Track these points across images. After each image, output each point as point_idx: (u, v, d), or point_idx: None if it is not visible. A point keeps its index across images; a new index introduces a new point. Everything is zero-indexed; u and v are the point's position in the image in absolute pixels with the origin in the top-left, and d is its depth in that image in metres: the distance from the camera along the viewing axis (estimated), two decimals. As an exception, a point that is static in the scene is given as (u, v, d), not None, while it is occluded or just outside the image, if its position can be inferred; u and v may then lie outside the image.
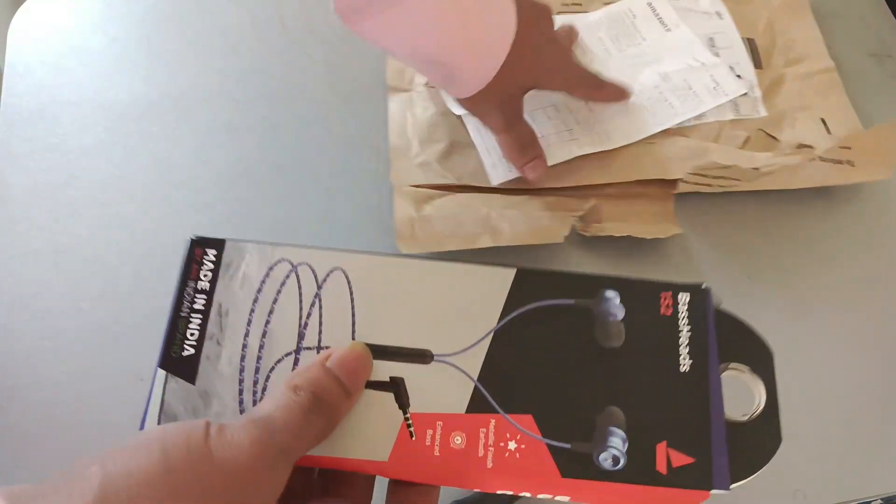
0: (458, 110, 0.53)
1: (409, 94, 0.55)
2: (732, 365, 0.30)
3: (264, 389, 0.28)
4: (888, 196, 0.53)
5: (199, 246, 0.30)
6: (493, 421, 0.28)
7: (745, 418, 0.30)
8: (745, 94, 0.54)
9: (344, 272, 0.29)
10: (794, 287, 0.50)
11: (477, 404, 0.28)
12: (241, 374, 0.28)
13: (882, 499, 0.44)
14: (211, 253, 0.29)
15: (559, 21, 0.52)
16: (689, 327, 0.29)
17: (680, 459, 0.28)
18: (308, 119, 0.56)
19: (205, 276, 0.29)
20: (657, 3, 0.57)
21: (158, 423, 0.27)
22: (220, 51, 0.59)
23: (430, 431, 0.28)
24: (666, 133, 0.52)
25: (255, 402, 0.28)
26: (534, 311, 0.29)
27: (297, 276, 0.29)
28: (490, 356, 0.29)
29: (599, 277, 0.30)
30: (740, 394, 0.32)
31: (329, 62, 0.58)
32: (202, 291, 0.29)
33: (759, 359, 0.30)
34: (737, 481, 0.28)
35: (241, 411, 0.27)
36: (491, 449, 0.27)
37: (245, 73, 0.57)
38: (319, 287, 0.29)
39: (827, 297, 0.50)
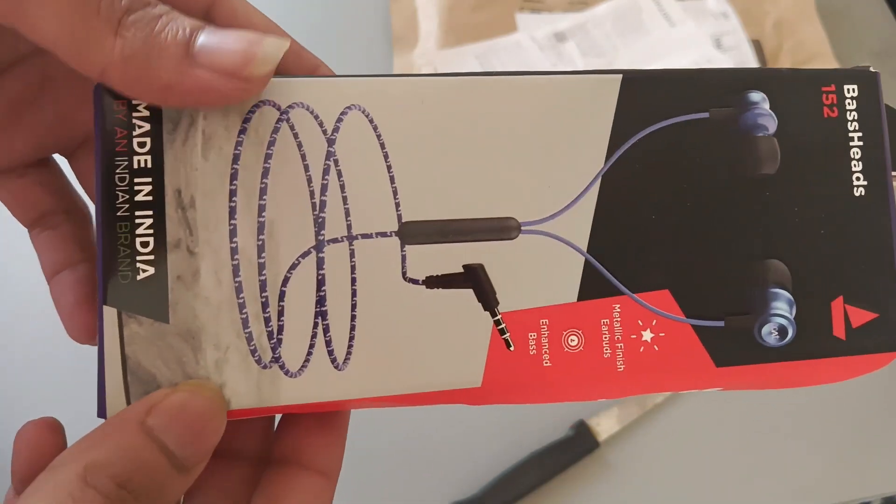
0: None
1: None
2: (895, 173, 0.22)
3: (281, 315, 0.18)
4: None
5: (116, 94, 0.18)
6: (617, 306, 0.19)
7: (914, 241, 0.22)
8: None
9: (364, 111, 0.19)
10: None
11: (592, 286, 0.19)
12: (239, 297, 0.18)
13: (882, 499, 0.43)
14: (141, 105, 0.18)
15: (567, 21, 0.53)
16: (860, 133, 0.21)
17: (861, 317, 0.20)
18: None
19: (140, 145, 0.18)
20: (663, -1, 0.57)
21: (126, 391, 0.17)
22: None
23: (532, 335, 0.19)
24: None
25: (270, 337, 0.18)
26: (654, 137, 0.20)
27: (292, 127, 0.18)
28: (601, 213, 0.19)
29: (736, 73, 0.20)
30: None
31: None
32: (143, 172, 0.18)
33: (923, 159, 0.22)
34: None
35: (254, 352, 0.18)
36: (620, 346, 0.19)
37: None
38: (331, 140, 0.18)
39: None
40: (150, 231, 0.18)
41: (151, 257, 0.17)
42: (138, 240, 0.17)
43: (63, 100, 0.21)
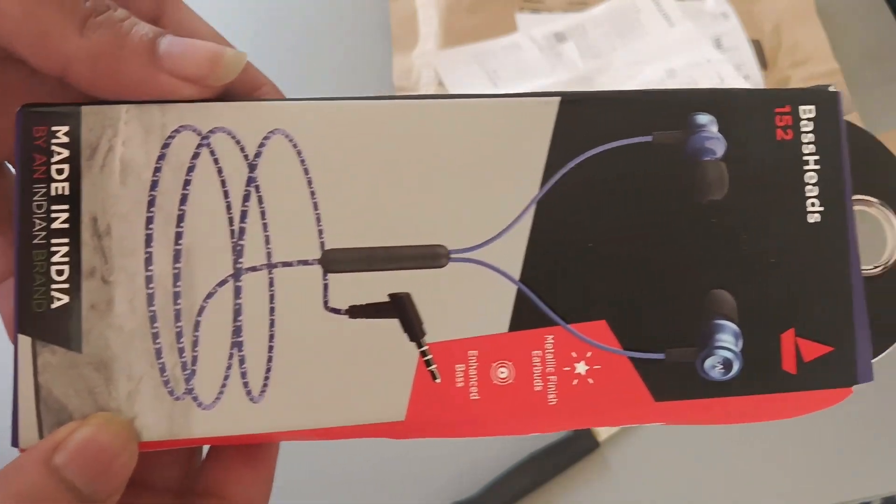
0: None
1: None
2: (856, 197, 0.21)
3: (196, 346, 0.18)
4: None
5: (36, 121, 0.18)
6: (549, 337, 0.19)
7: (878, 270, 0.21)
8: None
9: (287, 136, 0.18)
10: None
11: (524, 317, 0.19)
12: (153, 326, 0.17)
13: (882, 499, 0.43)
14: (60, 132, 0.18)
15: (566, 21, 0.53)
16: (816, 157, 0.20)
17: (814, 350, 0.19)
18: None
19: (58, 172, 0.17)
20: (662, -2, 0.56)
21: (38, 420, 0.17)
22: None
23: (460, 367, 0.18)
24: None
25: (184, 368, 0.17)
26: (593, 162, 0.19)
27: (213, 152, 0.18)
28: (535, 241, 0.19)
29: (682, 95, 0.20)
30: (864, 235, 0.24)
31: None
32: (60, 199, 0.17)
33: (891, 183, 0.21)
34: (875, 357, 0.21)
35: (167, 383, 0.17)
36: (552, 378, 0.19)
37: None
38: (252, 165, 0.18)
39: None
40: (66, 259, 0.17)
41: (66, 286, 0.17)
42: (53, 268, 0.17)
43: (11, 110, 0.21)
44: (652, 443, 0.42)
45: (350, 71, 0.53)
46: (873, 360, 0.21)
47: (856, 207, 0.21)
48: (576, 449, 0.41)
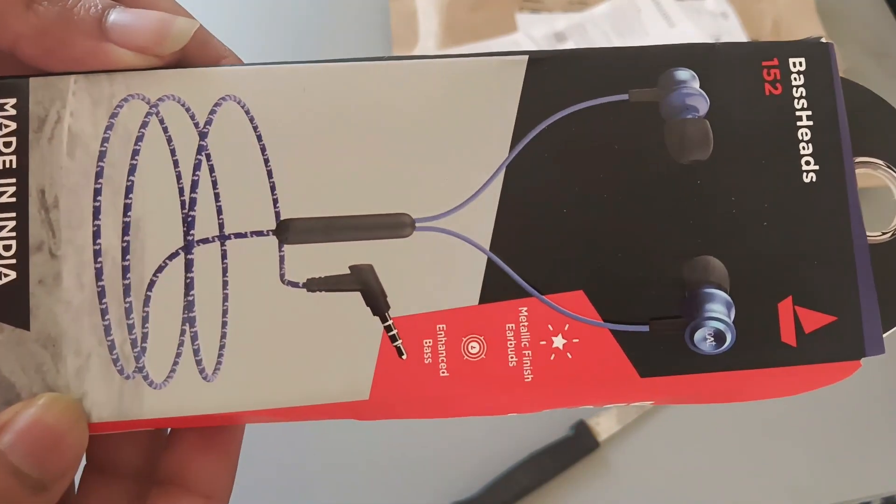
0: None
1: None
2: (859, 159, 0.20)
3: (146, 322, 0.17)
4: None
5: None
6: (524, 310, 0.17)
7: (888, 236, 0.20)
8: None
9: (239, 102, 0.17)
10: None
11: (495, 288, 0.17)
12: (101, 302, 0.17)
13: (882, 499, 0.43)
14: (7, 104, 0.17)
15: (566, 21, 0.53)
16: (809, 112, 0.18)
17: (815, 320, 0.18)
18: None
19: (5, 145, 0.17)
20: (662, -2, 0.56)
21: (-18, 401, 0.16)
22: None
23: (428, 342, 0.17)
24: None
25: (134, 345, 0.17)
26: (566, 123, 0.18)
27: (162, 121, 0.17)
28: (505, 207, 0.18)
29: (661, 51, 0.18)
30: (870, 201, 0.22)
31: None
32: (7, 172, 0.17)
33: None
34: (887, 331, 0.19)
35: (116, 361, 0.17)
36: (527, 353, 0.17)
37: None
38: (203, 133, 0.17)
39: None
40: (13, 234, 0.17)
41: (13, 261, 0.17)
42: (1, 243, 0.17)
43: None
44: (652, 443, 0.42)
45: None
46: (885, 335, 0.19)
47: (860, 170, 0.20)
48: (576, 449, 0.40)
